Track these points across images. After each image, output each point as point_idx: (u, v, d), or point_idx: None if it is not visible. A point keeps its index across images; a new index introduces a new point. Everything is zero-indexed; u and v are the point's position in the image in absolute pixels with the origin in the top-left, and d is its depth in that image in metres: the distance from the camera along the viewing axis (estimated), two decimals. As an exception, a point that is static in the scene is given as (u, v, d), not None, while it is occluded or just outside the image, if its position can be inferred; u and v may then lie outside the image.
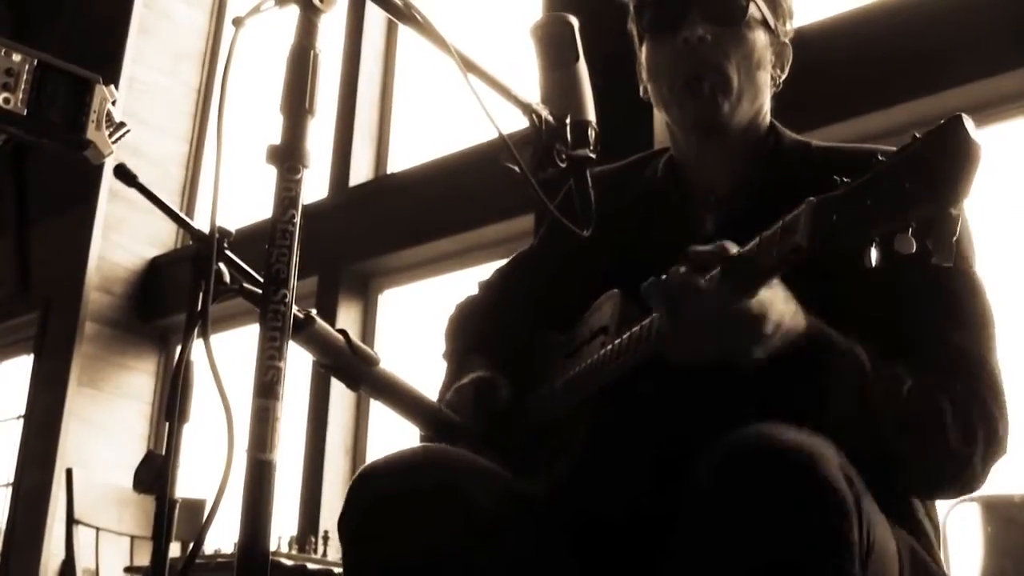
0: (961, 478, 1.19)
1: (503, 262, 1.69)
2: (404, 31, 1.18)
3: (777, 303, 1.08)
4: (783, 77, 1.43)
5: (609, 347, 1.28)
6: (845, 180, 0.95)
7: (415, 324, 4.21)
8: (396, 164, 4.46)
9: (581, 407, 1.33)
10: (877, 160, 0.93)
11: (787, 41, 1.42)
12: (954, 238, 0.89)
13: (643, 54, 1.42)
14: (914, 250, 0.89)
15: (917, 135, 0.90)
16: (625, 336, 1.25)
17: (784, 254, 1.00)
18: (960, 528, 2.34)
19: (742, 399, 1.19)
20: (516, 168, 1.19)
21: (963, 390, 1.18)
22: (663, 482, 1.24)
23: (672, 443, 1.24)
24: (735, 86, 1.34)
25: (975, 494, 2.34)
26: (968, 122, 0.87)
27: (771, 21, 1.38)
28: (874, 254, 0.92)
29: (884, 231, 0.91)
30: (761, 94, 1.39)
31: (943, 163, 0.87)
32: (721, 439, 1.02)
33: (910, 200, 0.89)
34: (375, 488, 1.22)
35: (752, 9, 1.35)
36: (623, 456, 1.28)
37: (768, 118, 1.42)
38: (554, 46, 1.29)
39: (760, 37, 1.37)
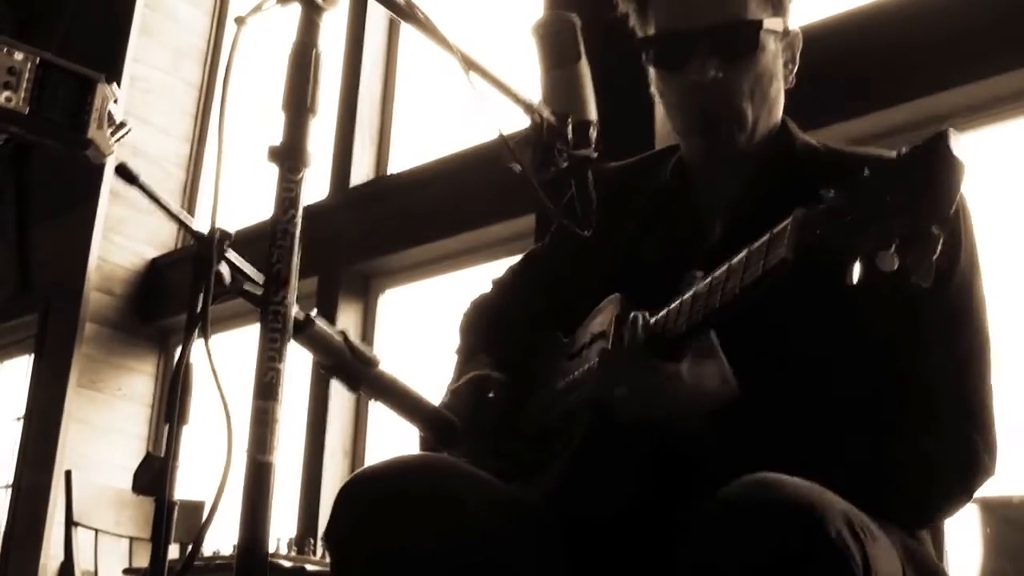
0: (939, 510, 1.23)
1: (503, 263, 1.69)
2: (406, 30, 1.18)
3: (690, 378, 1.12)
4: (795, 70, 1.39)
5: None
6: (831, 194, 0.94)
7: (415, 325, 4.20)
8: (397, 164, 4.45)
9: (579, 410, 1.33)
10: (862, 174, 0.91)
11: (793, 28, 1.37)
12: (934, 257, 0.87)
13: (651, 73, 1.39)
14: (896, 268, 0.88)
15: (903, 150, 0.89)
16: None
17: (770, 266, 1.00)
18: (959, 529, 2.34)
19: (739, 403, 1.19)
20: (517, 168, 1.19)
21: (944, 424, 1.18)
22: (658, 486, 1.23)
23: (667, 447, 1.23)
24: (750, 119, 1.31)
25: (974, 495, 2.35)
26: (953, 137, 0.86)
27: (777, 26, 1.33)
28: (857, 270, 0.91)
29: (867, 247, 0.90)
30: (776, 106, 1.36)
31: (924, 180, 0.86)
32: (719, 489, 1.00)
33: (891, 216, 0.88)
34: (367, 491, 1.22)
35: (762, 35, 1.30)
36: (618, 459, 1.27)
37: (780, 117, 1.40)
38: (555, 45, 1.28)
39: (770, 50, 1.32)
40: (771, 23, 1.31)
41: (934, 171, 0.86)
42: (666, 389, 1.13)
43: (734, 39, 1.29)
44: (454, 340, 1.64)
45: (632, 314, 1.14)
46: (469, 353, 1.56)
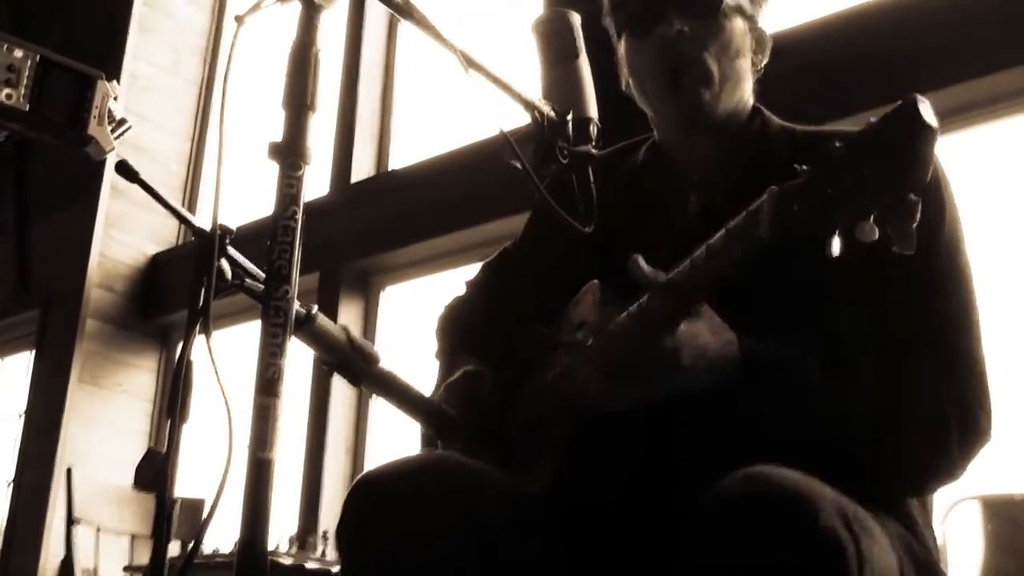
0: (938, 471, 1.19)
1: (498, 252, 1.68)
2: (405, 28, 1.18)
3: (700, 335, 1.08)
4: (764, 62, 1.43)
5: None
6: (804, 168, 0.94)
7: (416, 321, 4.21)
8: (397, 161, 4.45)
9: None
10: (835, 147, 0.91)
11: (762, 27, 1.41)
12: (914, 224, 0.87)
13: (622, 49, 1.42)
14: (876, 238, 0.87)
15: (873, 120, 0.89)
16: None
17: (747, 247, 0.99)
18: (961, 527, 2.34)
19: (727, 388, 1.19)
20: (518, 164, 1.19)
21: (940, 382, 1.17)
22: (652, 475, 1.24)
23: (658, 435, 1.24)
24: (715, 77, 1.34)
25: (975, 493, 2.35)
26: (923, 104, 0.86)
27: (747, 8, 1.37)
28: (836, 243, 0.90)
29: (846, 219, 0.89)
30: (742, 81, 1.38)
31: (899, 148, 0.86)
32: (713, 485, 0.99)
33: (868, 186, 0.87)
34: (375, 492, 1.22)
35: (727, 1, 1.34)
36: (610, 450, 1.27)
37: (750, 103, 1.42)
38: (555, 42, 1.29)
39: (738, 25, 1.36)
40: None
41: (907, 139, 0.86)
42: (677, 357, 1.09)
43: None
44: (432, 344, 1.63)
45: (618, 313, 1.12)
46: (452, 352, 1.56)
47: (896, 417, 1.15)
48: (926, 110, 0.86)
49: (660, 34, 1.33)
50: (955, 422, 1.17)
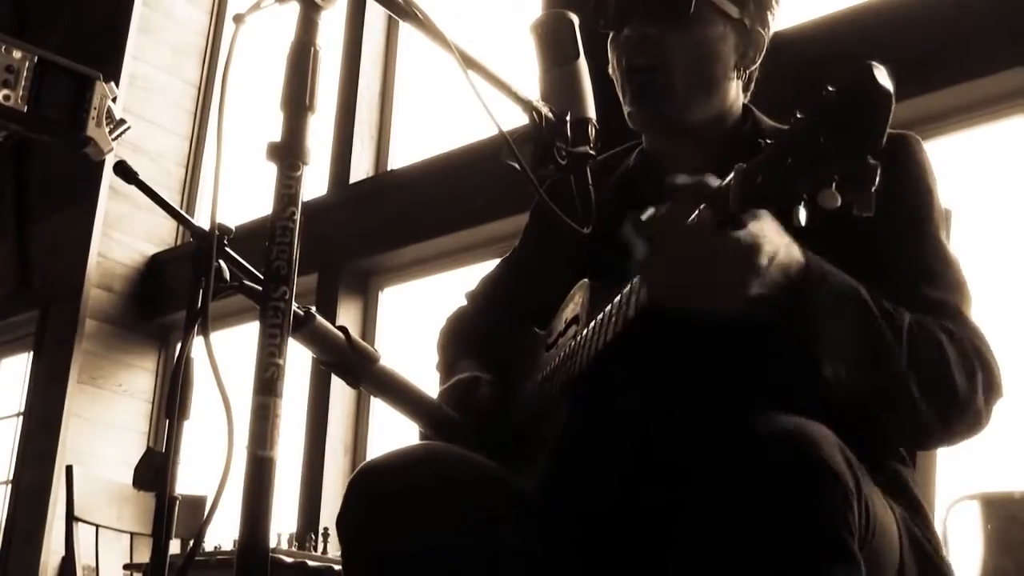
0: (966, 416, 1.17)
1: (500, 261, 1.69)
2: (404, 28, 1.18)
3: (770, 234, 1.03)
4: (755, 65, 1.40)
5: (579, 336, 1.28)
6: (767, 142, 0.94)
7: (415, 321, 4.21)
8: (396, 161, 4.45)
9: (558, 399, 1.33)
10: (795, 117, 0.92)
11: (759, 29, 1.38)
12: (874, 188, 0.87)
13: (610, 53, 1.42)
14: (839, 204, 0.88)
15: (830, 88, 0.89)
16: (592, 323, 1.25)
17: (720, 222, 1.00)
18: (961, 525, 2.34)
19: (714, 372, 1.19)
20: (516, 165, 1.19)
21: (955, 330, 1.18)
22: (642, 466, 1.24)
23: (645, 425, 1.24)
24: (678, 85, 1.33)
25: (975, 491, 2.36)
26: (878, 70, 0.87)
27: (731, 11, 1.34)
28: (803, 213, 0.91)
29: (809, 188, 0.89)
30: (719, 88, 1.37)
31: (855, 114, 0.87)
32: (718, 430, 1.01)
33: (827, 154, 0.88)
34: (375, 483, 1.22)
35: (698, 5, 1.32)
36: (599, 445, 1.28)
37: (738, 106, 1.40)
38: (554, 43, 1.29)
39: (714, 30, 1.34)
40: (719, 1, 1.33)
41: (863, 105, 0.86)
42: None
43: (666, 1, 1.32)
44: (434, 356, 1.64)
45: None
46: (452, 362, 1.56)
47: (932, 354, 1.14)
48: (881, 76, 0.86)
49: (624, 37, 1.33)
50: (980, 370, 1.16)
